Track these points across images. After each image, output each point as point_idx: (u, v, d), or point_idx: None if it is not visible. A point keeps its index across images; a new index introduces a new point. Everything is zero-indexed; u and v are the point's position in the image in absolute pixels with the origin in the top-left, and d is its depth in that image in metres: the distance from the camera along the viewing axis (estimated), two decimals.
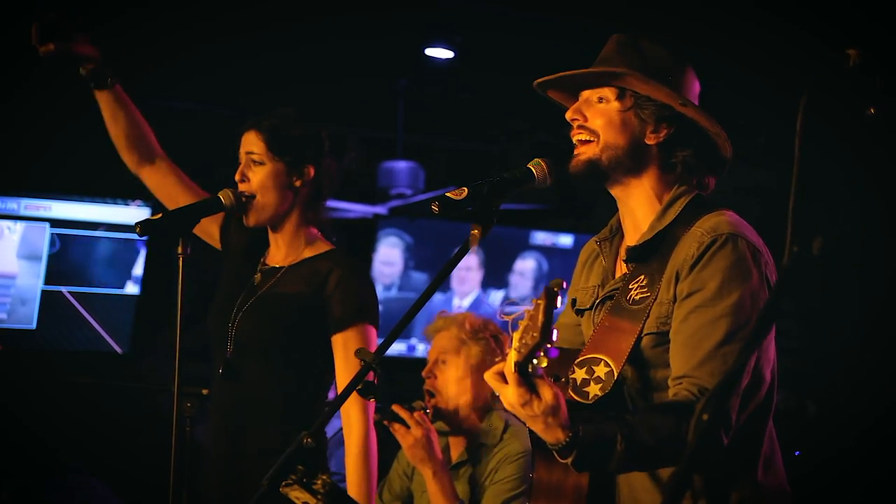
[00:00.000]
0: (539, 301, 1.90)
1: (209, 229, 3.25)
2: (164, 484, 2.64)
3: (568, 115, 2.31)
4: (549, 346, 1.88)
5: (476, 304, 6.81)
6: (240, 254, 3.21)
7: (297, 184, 3.04)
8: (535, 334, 1.89)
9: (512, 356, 1.94)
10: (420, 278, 6.88)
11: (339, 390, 2.94)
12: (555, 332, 1.90)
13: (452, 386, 3.56)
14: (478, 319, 3.70)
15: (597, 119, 2.27)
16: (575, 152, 2.29)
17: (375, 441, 2.97)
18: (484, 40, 5.77)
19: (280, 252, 3.12)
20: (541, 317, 1.87)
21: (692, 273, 2.15)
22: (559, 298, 1.91)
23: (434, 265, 6.88)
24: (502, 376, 2.01)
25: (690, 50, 2.39)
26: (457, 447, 3.64)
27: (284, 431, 2.85)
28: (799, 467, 2.33)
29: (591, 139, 2.27)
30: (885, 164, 4.82)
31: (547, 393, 1.97)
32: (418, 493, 3.70)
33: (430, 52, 6.01)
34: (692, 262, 2.16)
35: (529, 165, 2.27)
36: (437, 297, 6.76)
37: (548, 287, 1.90)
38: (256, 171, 3.01)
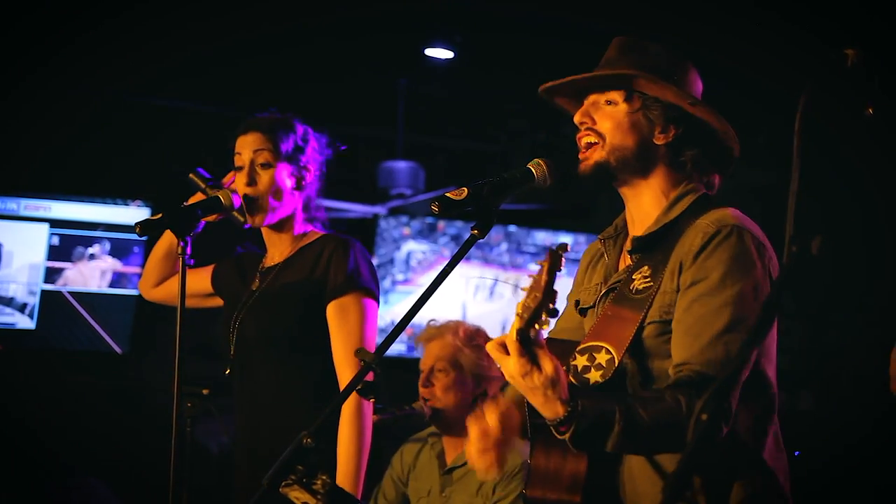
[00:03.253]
0: (543, 262, 1.90)
1: (200, 287, 3.26)
2: (164, 484, 2.63)
3: (576, 119, 2.31)
4: (551, 306, 1.87)
5: None
6: (235, 280, 3.21)
7: (301, 184, 3.04)
8: (537, 294, 1.89)
9: (514, 323, 1.94)
10: None
11: (336, 362, 2.92)
12: (557, 292, 1.89)
13: (450, 393, 3.62)
14: (471, 326, 3.75)
15: (605, 122, 2.28)
16: (581, 156, 2.29)
17: (370, 411, 2.91)
18: (484, 40, 5.77)
19: (277, 252, 3.12)
20: (544, 276, 1.87)
21: (696, 262, 2.16)
22: (563, 260, 1.91)
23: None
24: (504, 347, 2.01)
25: (690, 50, 2.39)
26: (453, 448, 3.67)
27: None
28: (799, 467, 2.32)
29: (598, 141, 2.28)
30: (885, 164, 4.82)
31: (547, 364, 1.98)
32: (415, 499, 3.72)
33: (430, 52, 6.00)
34: (696, 251, 2.16)
35: (529, 165, 2.27)
36: None
37: (552, 249, 1.90)
38: (264, 174, 2.99)
